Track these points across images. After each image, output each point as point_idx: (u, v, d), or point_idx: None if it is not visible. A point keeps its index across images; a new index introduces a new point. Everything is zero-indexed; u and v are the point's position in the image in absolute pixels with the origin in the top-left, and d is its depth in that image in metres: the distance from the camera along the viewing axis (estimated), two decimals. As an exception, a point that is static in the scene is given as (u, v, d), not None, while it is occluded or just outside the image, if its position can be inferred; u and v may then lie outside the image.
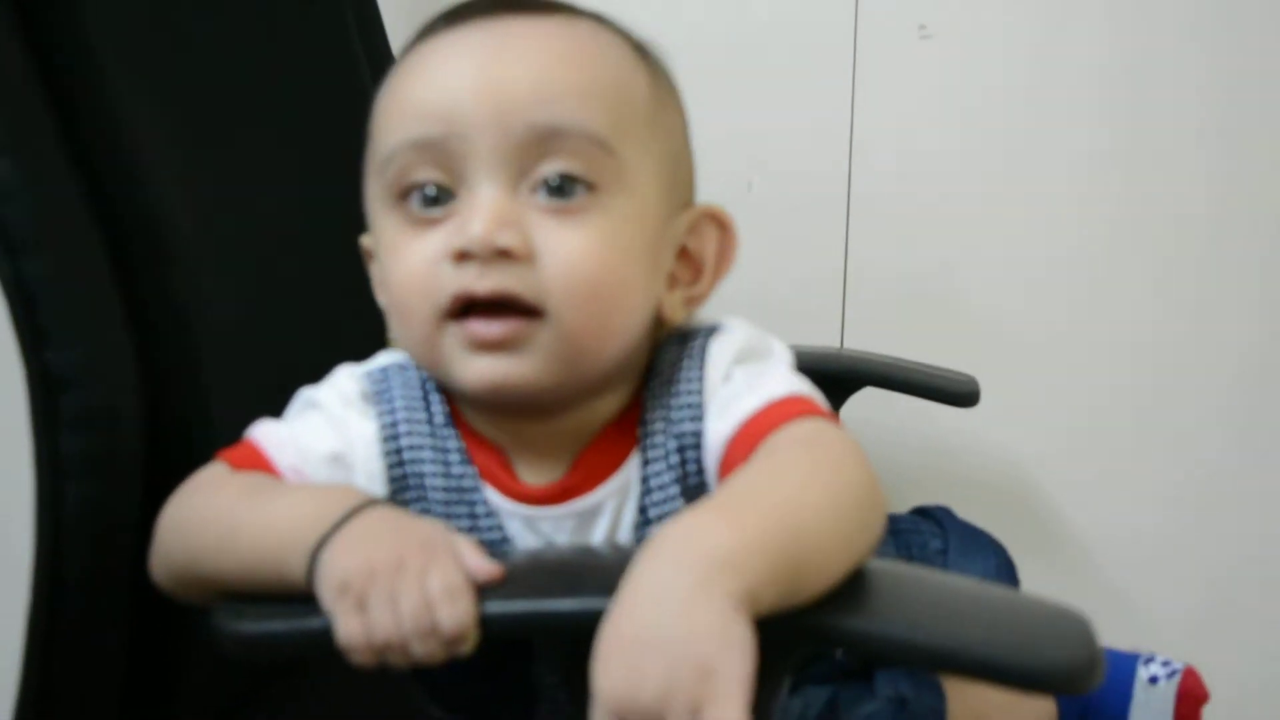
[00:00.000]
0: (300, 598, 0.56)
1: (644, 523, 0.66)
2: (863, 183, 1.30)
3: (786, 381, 0.65)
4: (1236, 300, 1.30)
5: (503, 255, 0.60)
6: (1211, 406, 1.32)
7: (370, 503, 0.59)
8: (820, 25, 1.29)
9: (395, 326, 0.66)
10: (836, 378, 1.11)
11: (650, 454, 0.65)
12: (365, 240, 0.70)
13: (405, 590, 0.53)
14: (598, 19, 0.67)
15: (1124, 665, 0.95)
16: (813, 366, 1.09)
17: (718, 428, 0.64)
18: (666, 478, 0.66)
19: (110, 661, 0.70)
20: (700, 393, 0.65)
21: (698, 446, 0.65)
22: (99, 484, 0.68)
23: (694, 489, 0.66)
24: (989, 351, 1.29)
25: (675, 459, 0.65)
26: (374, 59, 1.06)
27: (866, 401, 1.12)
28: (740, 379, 0.65)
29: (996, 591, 0.60)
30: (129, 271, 0.72)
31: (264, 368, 0.72)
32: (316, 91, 0.98)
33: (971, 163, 1.30)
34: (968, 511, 0.99)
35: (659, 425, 0.65)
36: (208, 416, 0.74)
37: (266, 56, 0.94)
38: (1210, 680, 0.97)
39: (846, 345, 1.31)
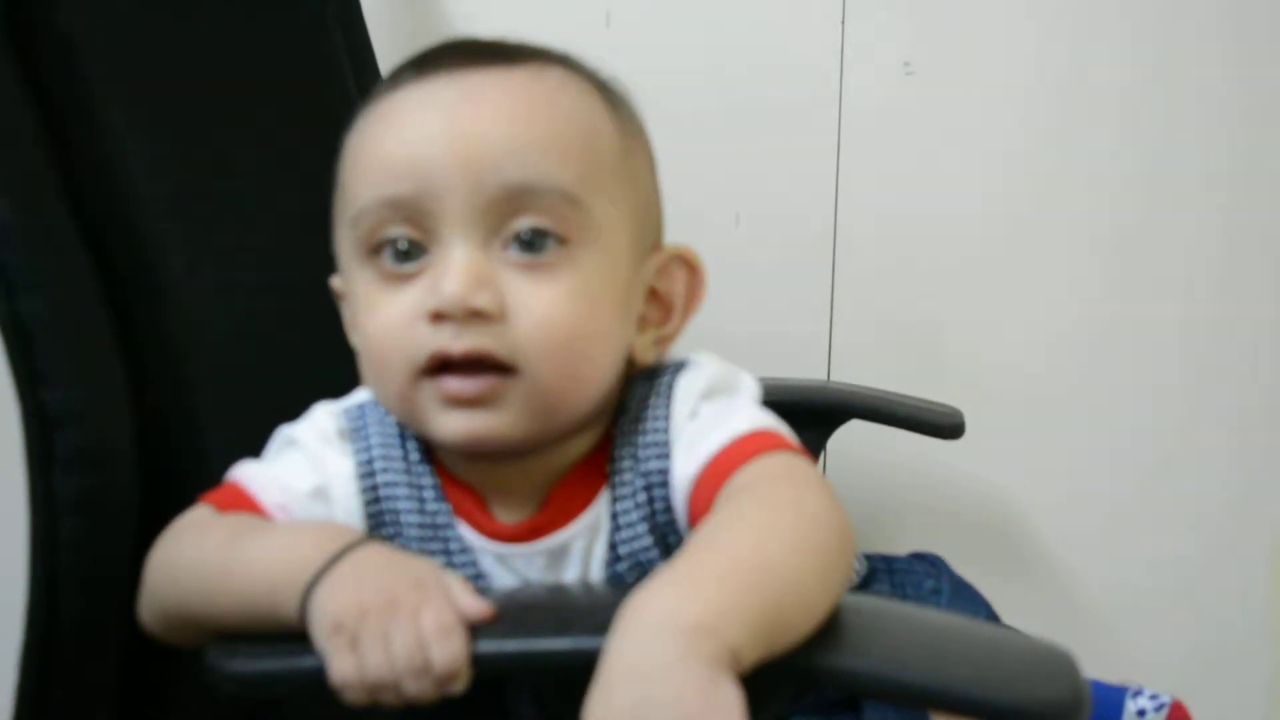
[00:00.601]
0: (294, 636, 0.56)
1: (615, 559, 0.66)
2: (849, 217, 1.31)
3: (751, 417, 0.65)
4: (1228, 337, 1.31)
5: (477, 315, 0.61)
6: (1201, 440, 1.33)
7: (362, 541, 0.60)
8: (806, 62, 1.30)
9: (370, 378, 0.67)
10: (823, 410, 1.12)
11: (619, 491, 0.66)
12: (335, 282, 0.70)
13: (398, 629, 0.54)
14: (566, 64, 0.68)
15: (1112, 698, 0.96)
16: (800, 399, 1.10)
17: (683, 467, 0.64)
18: (635, 515, 0.66)
19: (105, 696, 0.70)
20: (667, 430, 0.66)
21: (665, 484, 0.65)
22: (94, 521, 0.68)
23: (662, 526, 0.66)
24: (974, 383, 1.29)
25: (643, 497, 0.66)
26: (364, 83, 1.08)
27: (853, 434, 1.13)
28: (707, 415, 0.65)
29: (982, 628, 0.60)
30: (124, 311, 0.72)
31: (260, 405, 0.72)
32: (311, 130, 0.98)
33: (958, 196, 1.31)
34: (953, 543, 1.00)
35: (627, 464, 0.66)
36: (203, 454, 0.74)
37: (258, 97, 0.94)
38: (1199, 715, 0.98)
39: (833, 378, 1.32)
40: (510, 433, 0.62)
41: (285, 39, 1.01)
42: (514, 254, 0.62)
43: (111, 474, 0.70)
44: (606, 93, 0.68)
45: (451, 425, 0.62)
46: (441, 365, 0.62)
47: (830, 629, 0.55)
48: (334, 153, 0.67)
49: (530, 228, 0.62)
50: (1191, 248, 1.31)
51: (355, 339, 0.69)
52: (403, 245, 0.63)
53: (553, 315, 0.62)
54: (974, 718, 0.56)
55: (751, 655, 0.51)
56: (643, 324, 0.68)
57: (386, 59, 1.12)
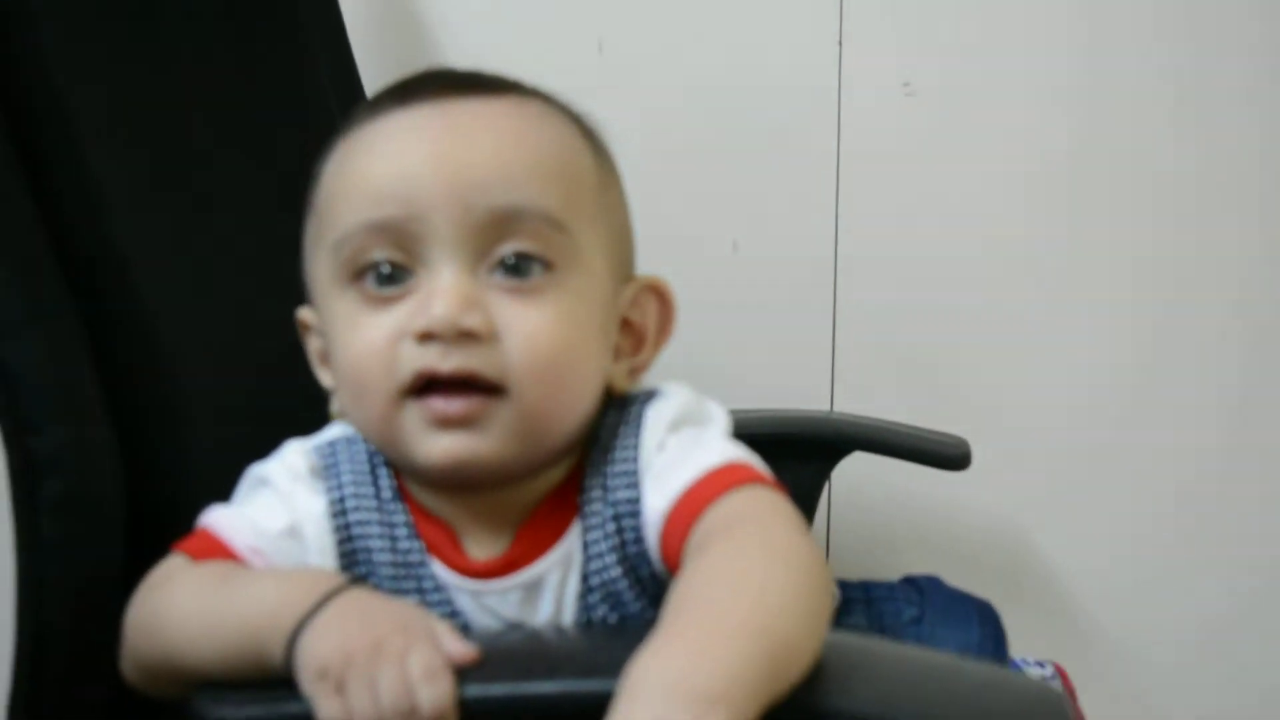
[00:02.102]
0: (280, 683, 0.56)
1: (587, 590, 0.66)
2: (850, 242, 1.31)
3: (721, 450, 0.65)
4: (1224, 358, 1.31)
5: (466, 336, 0.61)
6: (1211, 469, 1.33)
7: (346, 586, 0.60)
8: (803, 85, 1.30)
9: (348, 403, 0.67)
10: (827, 442, 1.11)
11: (590, 521, 0.66)
12: (304, 314, 0.71)
13: (384, 673, 0.54)
14: (545, 98, 0.69)
15: None
16: (802, 431, 1.09)
17: (655, 502, 0.65)
18: (604, 546, 0.66)
19: None
20: (636, 460, 0.66)
21: (635, 514, 0.66)
22: (80, 569, 0.69)
23: (633, 558, 0.66)
24: (981, 413, 1.29)
25: (612, 527, 0.66)
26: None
27: (857, 466, 1.12)
28: (674, 448, 0.66)
29: (972, 668, 0.61)
30: (111, 358, 0.73)
31: (248, 451, 0.72)
32: (297, 161, 1.00)
33: (962, 219, 1.31)
34: (958, 573, 1.00)
35: (597, 494, 0.66)
36: (192, 500, 0.73)
37: (243, 129, 0.96)
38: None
39: (837, 408, 1.31)
40: (495, 456, 0.63)
41: (270, 68, 1.02)
42: (500, 278, 0.63)
43: (98, 520, 0.70)
44: (583, 126, 0.70)
45: (436, 447, 0.62)
46: (426, 386, 0.62)
47: (817, 670, 0.55)
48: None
49: (516, 252, 0.63)
50: (1207, 272, 1.30)
51: (323, 374, 0.70)
52: (385, 269, 0.63)
53: (540, 337, 0.62)
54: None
55: (755, 713, 0.51)
56: (617, 353, 0.69)
57: (374, 85, 1.13)
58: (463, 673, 0.55)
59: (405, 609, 0.59)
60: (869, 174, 1.31)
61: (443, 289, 0.62)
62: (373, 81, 1.13)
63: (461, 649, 0.56)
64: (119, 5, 0.85)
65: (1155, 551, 1.34)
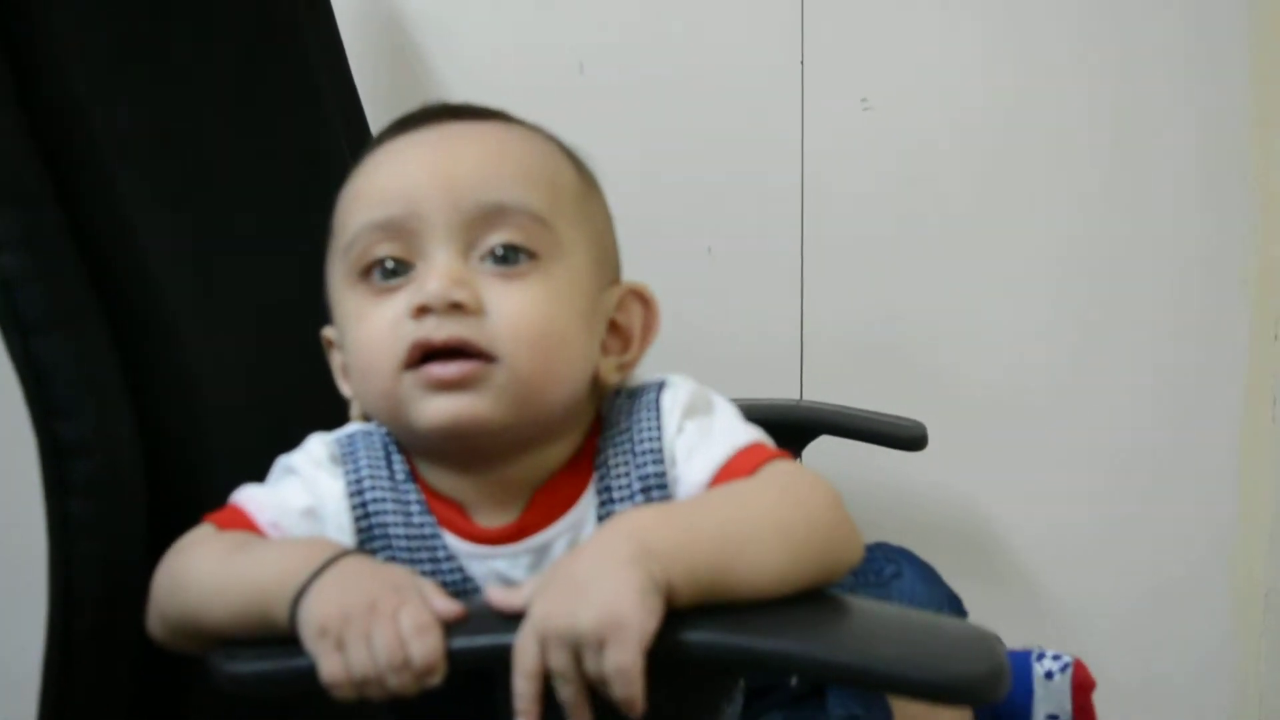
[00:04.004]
0: (287, 641, 0.61)
1: None
2: (814, 246, 1.36)
3: (746, 431, 0.72)
4: (1187, 337, 1.36)
5: (457, 308, 0.67)
6: (1163, 444, 1.37)
7: (345, 553, 0.64)
8: (769, 102, 1.35)
9: (359, 387, 0.72)
10: (795, 427, 1.16)
11: (616, 494, 0.71)
12: (328, 333, 0.76)
13: (379, 629, 0.58)
14: (532, 126, 0.76)
15: (1020, 662, 0.99)
16: (773, 418, 1.15)
17: (694, 475, 0.70)
18: None
19: (119, 701, 0.74)
20: (659, 439, 0.71)
21: (664, 487, 0.70)
22: (107, 541, 0.72)
23: None
24: (942, 397, 1.34)
25: (641, 498, 0.71)
26: (352, 134, 1.13)
27: (823, 449, 1.17)
28: (692, 431, 0.71)
29: (914, 615, 0.65)
30: (133, 346, 0.76)
31: (265, 433, 0.76)
32: (309, 164, 1.03)
33: (916, 221, 1.35)
34: (916, 544, 1.04)
35: (622, 469, 0.71)
36: (210, 479, 0.78)
37: (260, 129, 0.99)
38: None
39: (805, 397, 1.36)
40: (490, 416, 0.67)
41: (286, 108, 1.06)
42: (490, 266, 0.69)
43: (122, 499, 0.74)
44: (564, 146, 0.76)
45: (434, 408, 0.67)
46: (424, 357, 0.67)
47: (772, 620, 0.60)
48: (330, 201, 0.73)
49: (503, 242, 0.69)
50: (1156, 259, 1.35)
51: (344, 385, 0.75)
52: (389, 264, 0.69)
53: (526, 312, 0.68)
54: (905, 696, 0.61)
55: (685, 595, 0.59)
56: (605, 351, 0.74)
57: (370, 103, 1.19)
58: (451, 627, 0.60)
59: (397, 572, 0.64)
60: (831, 183, 1.35)
61: (436, 270, 0.68)
62: (368, 100, 1.18)
63: (449, 606, 0.61)
64: (134, 26, 0.88)
65: (1098, 521, 1.38)
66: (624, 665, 0.56)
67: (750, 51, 1.35)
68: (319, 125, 1.09)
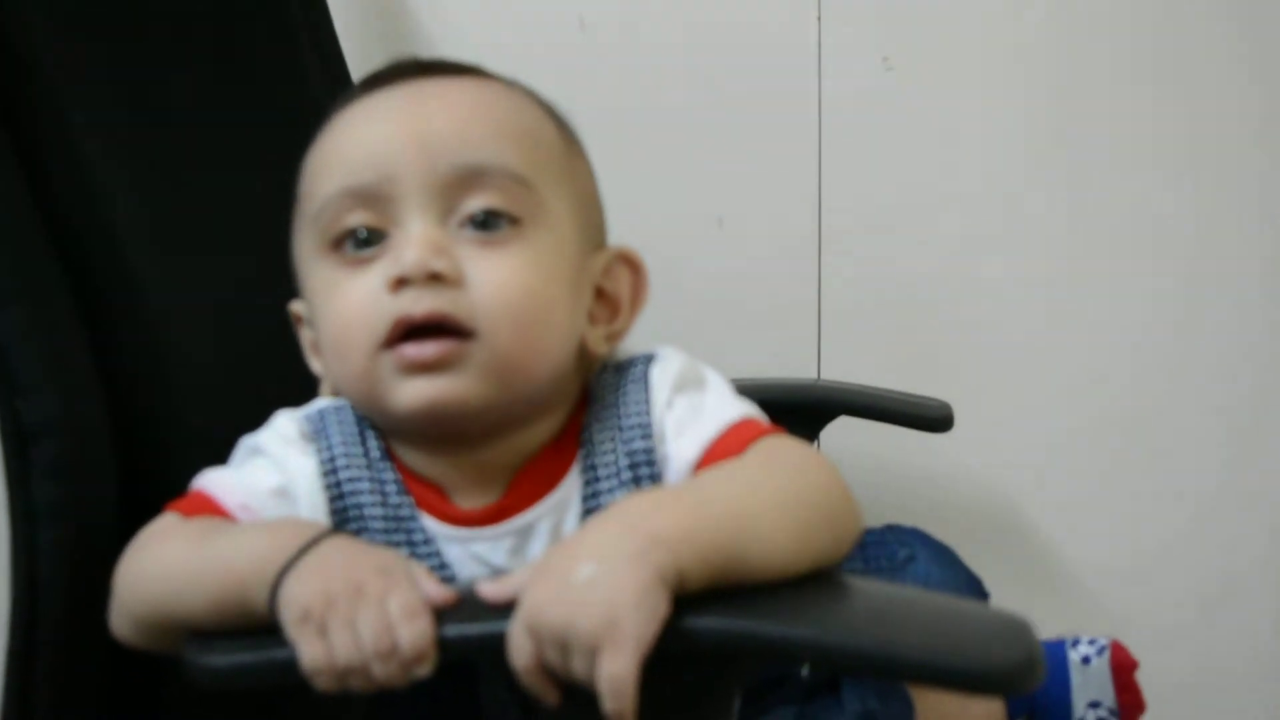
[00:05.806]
0: (266, 630, 0.58)
1: None
2: (833, 214, 1.33)
3: (737, 405, 0.69)
4: (1219, 318, 1.32)
5: (436, 279, 0.64)
6: (1188, 427, 1.34)
7: (328, 534, 0.61)
8: (783, 61, 1.32)
9: (332, 365, 0.69)
10: (813, 407, 1.13)
11: (601, 471, 0.69)
12: (296, 306, 0.74)
13: (365, 614, 0.55)
14: (508, 81, 0.73)
15: (1055, 651, 0.97)
16: (789, 398, 1.12)
17: (683, 452, 0.67)
18: (620, 494, 0.68)
19: (91, 698, 0.72)
20: (648, 414, 0.69)
21: (652, 464, 0.68)
22: (72, 529, 0.70)
23: None
24: (964, 376, 1.31)
25: (628, 475, 0.68)
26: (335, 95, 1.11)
27: (843, 430, 1.14)
28: (682, 406, 0.69)
29: (937, 599, 0.62)
30: (100, 323, 0.75)
31: (238, 415, 0.73)
32: (285, 139, 1.02)
33: (942, 190, 1.32)
34: (939, 529, 1.01)
35: (608, 445, 0.69)
36: (182, 463, 0.75)
37: (235, 104, 0.98)
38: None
39: (823, 375, 1.33)
40: (470, 397, 0.65)
41: (262, 66, 1.04)
42: (469, 232, 0.66)
43: (88, 484, 0.72)
44: (544, 102, 0.73)
45: (412, 391, 0.64)
46: (401, 336, 0.64)
47: (784, 603, 0.57)
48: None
49: (483, 208, 0.66)
50: (1177, 233, 1.32)
51: (314, 361, 0.73)
52: (362, 234, 0.66)
53: (508, 283, 0.65)
54: (932, 685, 0.57)
55: (696, 582, 0.56)
56: (593, 320, 0.71)
57: (359, 68, 1.14)
58: (442, 613, 0.56)
59: (384, 554, 0.61)
60: (850, 147, 1.32)
61: (413, 239, 0.65)
62: (358, 65, 1.15)
63: (440, 590, 0.58)
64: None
65: (1137, 500, 1.35)
66: (616, 675, 0.53)
67: (763, 6, 1.32)
68: (299, 85, 1.07)
